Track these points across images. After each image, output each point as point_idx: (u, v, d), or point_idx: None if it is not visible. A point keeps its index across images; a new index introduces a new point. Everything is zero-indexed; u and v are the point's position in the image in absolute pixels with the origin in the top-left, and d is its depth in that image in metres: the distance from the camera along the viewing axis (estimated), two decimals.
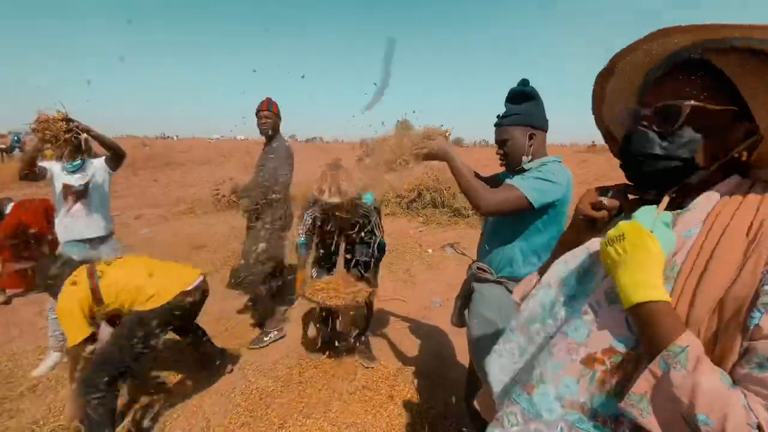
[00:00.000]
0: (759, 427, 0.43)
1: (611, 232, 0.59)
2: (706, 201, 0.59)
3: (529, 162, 1.38)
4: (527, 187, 1.28)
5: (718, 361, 0.50)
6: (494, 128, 1.45)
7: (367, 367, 2.53)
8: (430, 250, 5.14)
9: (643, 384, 0.51)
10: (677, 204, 0.63)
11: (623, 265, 0.56)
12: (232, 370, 2.45)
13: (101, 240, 2.56)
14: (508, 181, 1.35)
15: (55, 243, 2.66)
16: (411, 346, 2.84)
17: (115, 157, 2.57)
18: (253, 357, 2.63)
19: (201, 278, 2.08)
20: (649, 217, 0.59)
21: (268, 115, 2.64)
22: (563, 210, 1.38)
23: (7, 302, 3.30)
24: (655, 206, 0.62)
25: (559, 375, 0.62)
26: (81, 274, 1.85)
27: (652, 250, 0.54)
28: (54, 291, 1.85)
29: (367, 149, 1.53)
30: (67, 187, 2.41)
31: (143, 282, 1.88)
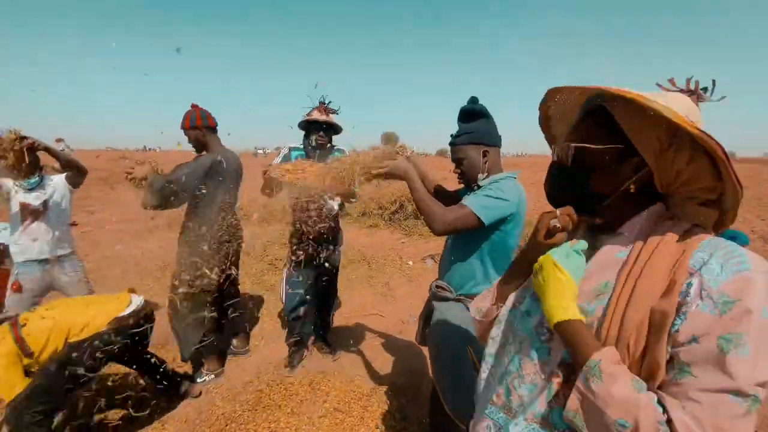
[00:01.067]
0: (669, 422, 0.51)
1: (535, 265, 0.70)
2: (632, 226, 0.68)
3: (484, 179, 1.39)
4: (477, 204, 1.29)
5: (650, 370, 0.57)
6: (449, 147, 1.46)
7: (334, 360, 2.73)
8: (410, 262, 5.10)
9: (573, 400, 0.59)
10: (611, 228, 0.71)
11: (544, 292, 0.67)
12: (200, 393, 2.34)
13: (60, 259, 2.43)
14: (464, 200, 1.34)
15: None
16: (386, 362, 2.78)
17: (76, 174, 2.47)
18: (222, 379, 2.52)
19: (139, 302, 1.99)
20: (564, 248, 0.69)
21: (186, 132, 2.43)
22: (517, 225, 1.38)
23: None
24: (574, 239, 0.72)
25: (523, 391, 0.70)
26: (2, 328, 1.75)
27: (561, 278, 0.65)
28: None
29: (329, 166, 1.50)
30: (24, 206, 2.30)
31: (73, 317, 1.80)
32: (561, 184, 0.74)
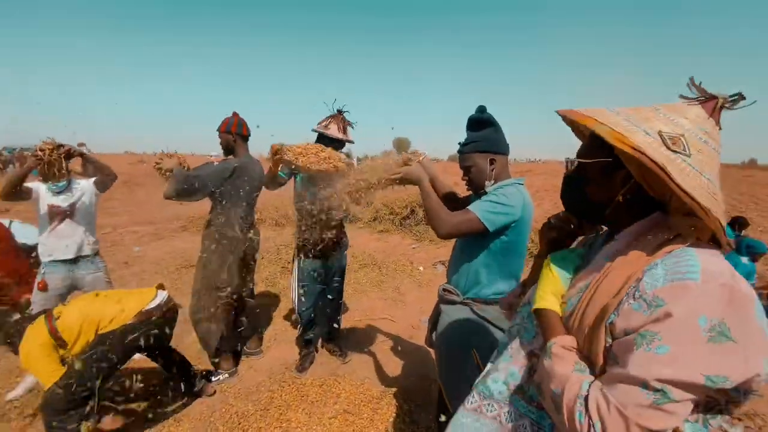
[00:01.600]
0: (585, 398, 0.61)
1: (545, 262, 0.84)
2: (626, 233, 0.72)
3: (491, 186, 1.42)
4: (481, 210, 1.33)
5: (591, 357, 0.67)
6: (458, 155, 1.49)
7: (344, 363, 2.78)
8: (421, 268, 5.12)
9: (539, 373, 0.72)
10: (613, 235, 0.76)
11: (536, 285, 0.82)
12: (214, 392, 2.41)
13: (86, 259, 2.54)
14: (469, 206, 1.38)
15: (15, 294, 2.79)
16: (396, 366, 2.80)
17: (106, 179, 2.60)
18: (235, 379, 2.58)
19: (163, 297, 2.07)
20: (564, 252, 0.85)
21: (220, 135, 2.55)
22: (523, 230, 1.40)
23: None
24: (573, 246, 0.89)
25: (508, 366, 0.83)
26: (39, 320, 1.84)
27: (548, 275, 0.80)
28: (15, 345, 1.83)
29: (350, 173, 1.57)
30: (53, 208, 2.41)
31: (103, 310, 1.89)
32: (568, 194, 0.81)
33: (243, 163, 2.47)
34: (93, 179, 2.59)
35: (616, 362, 0.62)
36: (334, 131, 2.43)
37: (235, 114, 2.58)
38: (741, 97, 0.65)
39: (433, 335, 1.63)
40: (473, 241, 1.44)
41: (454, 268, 1.53)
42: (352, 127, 2.57)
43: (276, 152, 2.07)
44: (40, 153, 2.31)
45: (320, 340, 2.99)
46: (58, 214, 2.42)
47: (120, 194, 11.57)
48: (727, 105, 0.66)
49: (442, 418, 1.51)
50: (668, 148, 0.62)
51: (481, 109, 1.46)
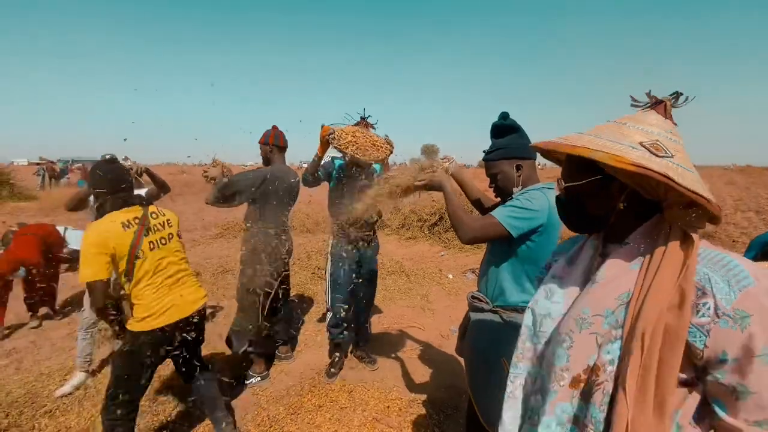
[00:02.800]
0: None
1: None
2: (636, 236, 0.74)
3: (519, 192, 1.39)
4: (503, 215, 1.31)
5: (668, 379, 0.61)
6: (484, 163, 1.48)
7: (373, 370, 2.80)
8: (450, 276, 5.05)
9: None
10: (619, 238, 0.77)
11: None
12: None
13: None
14: (493, 211, 1.36)
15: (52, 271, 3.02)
16: (425, 375, 2.77)
17: (160, 192, 2.79)
18: (268, 382, 2.64)
19: (203, 303, 1.96)
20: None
21: (260, 146, 2.74)
22: (551, 235, 1.36)
23: (39, 326, 3.48)
24: None
25: (555, 403, 0.72)
26: (135, 218, 1.71)
27: None
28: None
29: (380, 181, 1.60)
30: None
31: (155, 294, 1.74)
32: (566, 212, 0.84)
33: (276, 172, 2.59)
34: (145, 190, 2.78)
35: (745, 393, 0.60)
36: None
37: (274, 127, 2.75)
38: (679, 94, 0.73)
39: (462, 343, 1.60)
40: (500, 248, 1.41)
41: (483, 275, 1.51)
42: (375, 129, 2.67)
43: (326, 135, 2.21)
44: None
45: (350, 347, 3.01)
46: None
47: (160, 203, 12.20)
48: (674, 105, 0.74)
49: None
50: (655, 155, 0.66)
51: (504, 116, 1.44)
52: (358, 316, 2.88)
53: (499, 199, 1.55)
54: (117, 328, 1.75)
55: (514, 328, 1.39)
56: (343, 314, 2.72)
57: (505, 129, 1.43)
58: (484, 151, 1.48)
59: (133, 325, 1.72)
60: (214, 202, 2.46)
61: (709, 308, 0.61)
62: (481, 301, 1.47)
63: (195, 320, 1.87)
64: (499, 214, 1.32)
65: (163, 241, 1.80)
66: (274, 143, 2.69)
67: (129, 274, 1.68)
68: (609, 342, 0.67)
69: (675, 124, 0.74)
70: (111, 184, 1.74)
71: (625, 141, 0.69)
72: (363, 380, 2.66)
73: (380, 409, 2.33)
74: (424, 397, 2.48)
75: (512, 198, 1.38)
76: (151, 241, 1.74)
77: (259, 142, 2.73)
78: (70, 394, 2.43)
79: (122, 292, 1.77)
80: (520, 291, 1.39)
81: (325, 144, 2.31)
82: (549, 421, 0.72)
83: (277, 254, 2.59)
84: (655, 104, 0.75)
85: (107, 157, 1.96)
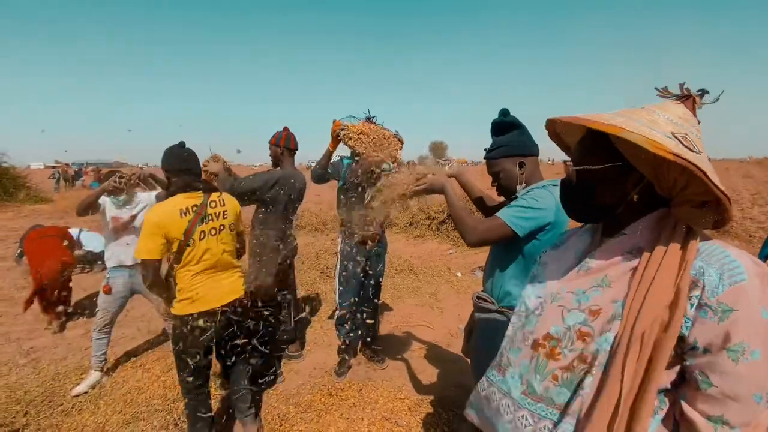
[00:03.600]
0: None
1: None
2: (635, 226, 0.74)
3: (523, 190, 1.37)
4: (509, 215, 1.28)
5: (655, 372, 0.62)
6: (486, 161, 1.45)
7: (381, 369, 2.82)
8: (459, 274, 5.03)
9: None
10: (617, 229, 0.77)
11: None
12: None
13: None
14: (498, 212, 1.34)
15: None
16: (434, 374, 2.77)
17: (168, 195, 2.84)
18: (278, 381, 2.66)
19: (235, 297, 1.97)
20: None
21: (270, 147, 2.74)
22: (558, 233, 1.32)
23: (61, 329, 3.52)
24: None
25: (519, 359, 0.79)
26: (194, 205, 1.78)
27: None
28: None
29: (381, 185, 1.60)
30: (115, 220, 2.64)
31: (191, 281, 1.80)
32: (571, 198, 0.81)
33: (285, 175, 2.60)
34: (155, 192, 2.82)
35: (703, 381, 0.62)
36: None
37: (285, 128, 2.74)
38: (706, 92, 0.71)
39: (469, 345, 1.59)
40: (506, 248, 1.39)
41: (489, 275, 1.49)
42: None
43: (337, 130, 2.23)
44: (121, 181, 2.59)
45: (359, 345, 3.02)
46: (119, 225, 2.64)
47: None
48: (702, 102, 0.72)
49: None
50: (688, 149, 0.64)
51: (504, 113, 1.41)
52: (367, 314, 2.89)
53: (503, 198, 1.53)
54: (167, 305, 1.86)
55: None
56: (352, 313, 2.74)
57: (505, 126, 1.41)
58: (485, 150, 1.45)
59: (174, 307, 1.81)
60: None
61: (697, 298, 0.63)
62: (486, 301, 1.46)
63: (228, 313, 1.88)
64: (504, 214, 1.30)
65: (214, 232, 1.85)
66: (285, 146, 2.68)
67: (178, 259, 1.78)
68: (589, 323, 0.69)
69: (699, 122, 0.72)
70: (176, 165, 1.84)
71: (658, 129, 0.66)
72: (372, 379, 2.67)
73: (389, 408, 2.34)
74: (433, 395, 2.48)
75: (516, 197, 1.36)
76: (202, 231, 1.80)
77: (270, 143, 2.72)
78: (85, 393, 2.49)
79: (172, 272, 1.86)
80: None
81: (336, 139, 2.32)
82: (513, 372, 0.79)
83: (282, 258, 2.61)
84: (685, 98, 0.72)
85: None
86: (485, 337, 1.44)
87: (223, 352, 1.98)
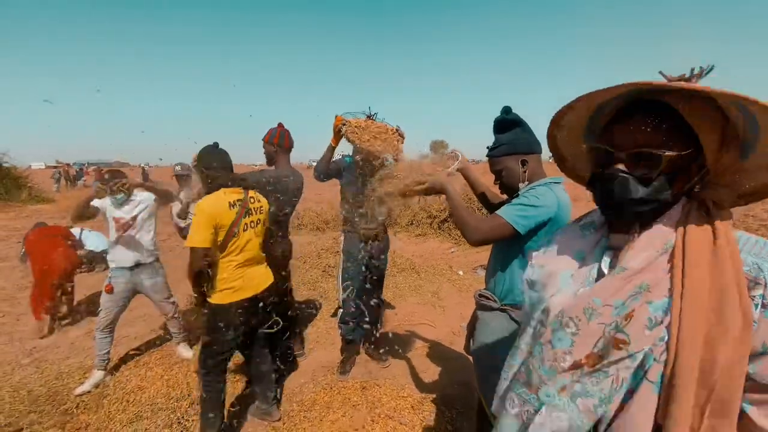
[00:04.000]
0: None
1: None
2: (668, 216, 0.67)
3: (525, 187, 1.37)
4: (510, 214, 1.28)
5: (732, 389, 0.55)
6: (488, 159, 1.45)
7: (384, 367, 2.81)
8: (460, 272, 5.03)
9: None
10: (643, 225, 0.69)
11: None
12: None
13: (145, 266, 2.74)
14: (499, 210, 1.33)
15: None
16: (436, 373, 2.77)
17: (166, 201, 2.88)
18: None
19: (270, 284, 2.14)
20: None
21: (263, 145, 2.66)
22: None
23: (51, 332, 3.44)
24: None
25: (557, 378, 0.69)
26: (239, 199, 1.91)
27: None
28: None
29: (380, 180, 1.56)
30: (116, 220, 2.64)
31: (234, 271, 1.91)
32: (633, 199, 0.66)
33: (278, 175, 2.55)
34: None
35: None
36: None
37: (280, 125, 2.66)
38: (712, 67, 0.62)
39: (471, 343, 1.57)
40: (507, 245, 1.39)
41: (491, 273, 1.49)
42: None
43: (339, 125, 2.23)
44: (105, 187, 2.60)
45: (361, 344, 3.02)
46: (121, 226, 2.63)
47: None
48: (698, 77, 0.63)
49: None
50: None
51: (506, 110, 1.41)
52: (370, 313, 2.90)
53: (505, 196, 1.52)
54: (203, 296, 1.92)
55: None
56: (354, 311, 2.73)
57: (507, 124, 1.40)
58: (487, 147, 1.45)
59: (212, 297, 1.90)
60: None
61: (762, 297, 0.56)
62: (488, 299, 1.46)
63: (262, 301, 2.06)
64: (505, 213, 1.29)
65: (254, 225, 1.99)
66: (279, 143, 2.61)
67: (223, 248, 1.88)
68: (635, 336, 0.61)
69: None
70: (219, 163, 1.98)
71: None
72: (375, 377, 2.67)
73: (392, 407, 2.33)
74: (436, 394, 2.48)
75: (518, 195, 1.36)
76: (246, 223, 1.94)
77: (263, 141, 2.65)
78: (89, 392, 2.49)
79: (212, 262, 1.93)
80: None
81: (338, 134, 2.31)
82: (548, 390, 0.70)
83: (275, 260, 2.58)
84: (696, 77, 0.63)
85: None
86: (487, 333, 1.44)
87: (249, 341, 2.13)
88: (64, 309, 3.69)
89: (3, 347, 3.18)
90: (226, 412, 2.11)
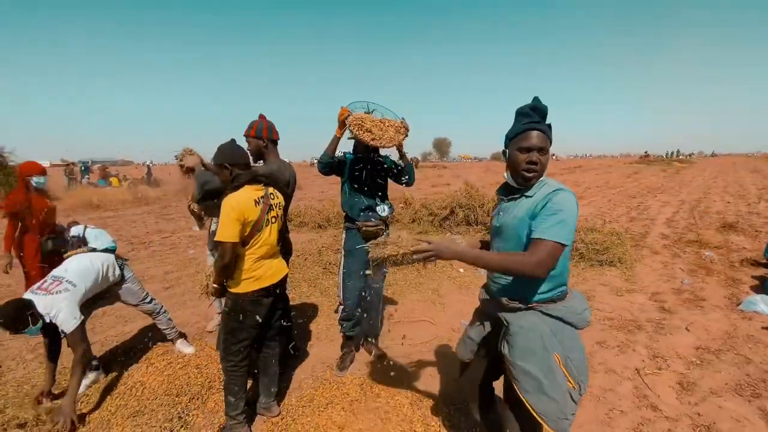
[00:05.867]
0: None
1: None
2: None
3: (537, 183, 1.37)
4: (561, 235, 1.24)
5: None
6: (530, 131, 1.33)
7: (383, 364, 2.79)
8: (461, 270, 5.03)
9: None
10: None
11: None
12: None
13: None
14: (536, 233, 1.27)
15: None
16: (435, 369, 2.78)
17: None
18: (281, 375, 2.68)
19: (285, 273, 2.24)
20: None
21: (248, 140, 2.51)
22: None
23: None
24: None
25: None
26: (261, 196, 1.99)
27: None
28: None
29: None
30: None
31: (255, 263, 2.00)
32: None
33: (268, 171, 2.42)
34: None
35: None
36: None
37: (262, 117, 2.53)
38: None
39: (502, 345, 1.45)
40: (521, 248, 1.36)
41: (506, 279, 1.44)
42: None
43: (344, 117, 2.28)
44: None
45: (361, 341, 3.04)
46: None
47: (177, 201, 12.50)
48: None
49: None
50: None
51: (538, 101, 1.36)
52: (370, 310, 2.91)
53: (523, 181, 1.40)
54: (223, 287, 2.02)
55: (556, 318, 1.35)
56: (354, 308, 2.75)
57: (545, 113, 1.35)
58: (532, 122, 1.33)
59: (232, 287, 2.00)
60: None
61: None
62: (514, 300, 1.42)
63: (279, 288, 2.17)
64: (554, 235, 1.24)
65: (274, 220, 2.09)
66: (268, 137, 2.47)
67: (246, 242, 1.96)
68: None
69: None
70: (241, 160, 2.05)
71: None
72: (374, 374, 2.68)
73: (391, 403, 2.35)
74: (434, 390, 2.50)
75: (546, 201, 1.29)
76: (267, 219, 2.03)
77: (248, 135, 2.47)
78: (85, 394, 2.50)
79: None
80: (548, 281, 1.35)
81: (342, 124, 2.32)
82: None
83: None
84: None
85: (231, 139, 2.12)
86: (522, 337, 1.36)
87: (262, 333, 2.21)
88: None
89: (8, 343, 3.23)
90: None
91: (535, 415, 1.30)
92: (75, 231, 4.52)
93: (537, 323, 1.36)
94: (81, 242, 4.26)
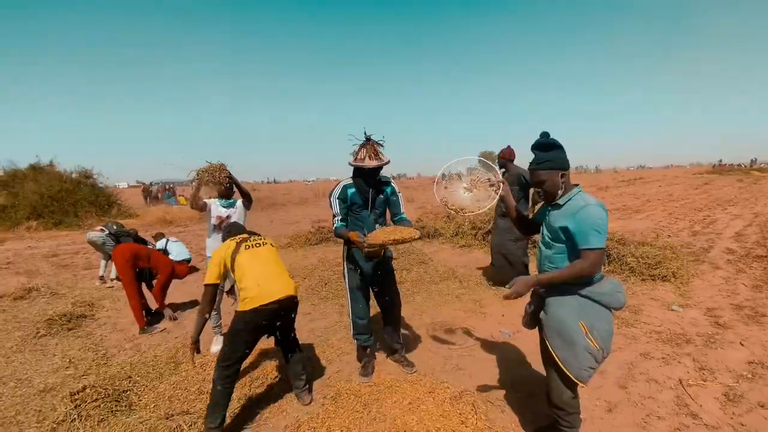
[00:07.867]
0: None
1: None
2: None
3: (561, 195, 1.79)
4: (598, 241, 1.64)
5: None
6: (530, 171, 1.86)
7: (409, 373, 2.86)
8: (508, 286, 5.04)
9: None
10: None
11: None
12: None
13: None
14: (582, 245, 1.67)
15: None
16: (472, 370, 2.89)
17: (248, 200, 3.49)
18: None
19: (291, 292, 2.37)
20: None
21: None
22: None
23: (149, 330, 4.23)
24: None
25: None
26: (232, 244, 2.41)
27: None
28: None
29: None
30: (220, 219, 3.31)
31: (250, 282, 2.26)
32: None
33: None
34: (240, 200, 3.47)
35: None
36: (369, 162, 2.55)
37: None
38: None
39: (540, 317, 1.91)
40: (562, 251, 1.78)
41: (545, 269, 1.87)
42: (382, 146, 2.66)
43: (357, 240, 2.44)
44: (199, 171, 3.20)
45: (376, 348, 3.13)
46: (223, 222, 3.26)
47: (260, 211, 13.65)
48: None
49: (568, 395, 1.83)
50: None
51: (545, 135, 1.82)
52: (387, 322, 2.97)
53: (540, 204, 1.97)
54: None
55: (587, 298, 1.74)
56: (365, 322, 2.85)
57: (548, 145, 1.78)
58: (531, 163, 1.83)
59: (239, 306, 2.29)
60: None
61: None
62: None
63: (282, 306, 2.33)
64: (595, 243, 1.63)
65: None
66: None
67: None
68: None
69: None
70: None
71: None
72: (399, 379, 2.72)
73: (420, 401, 2.42)
74: (470, 388, 2.58)
75: (581, 216, 1.67)
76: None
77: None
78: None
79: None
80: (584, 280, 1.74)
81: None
82: None
83: None
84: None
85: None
86: (556, 309, 1.80)
87: (279, 339, 2.54)
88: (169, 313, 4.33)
89: (108, 335, 3.87)
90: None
91: (560, 364, 1.75)
92: (160, 244, 5.29)
93: (568, 299, 1.78)
94: (165, 253, 4.97)
